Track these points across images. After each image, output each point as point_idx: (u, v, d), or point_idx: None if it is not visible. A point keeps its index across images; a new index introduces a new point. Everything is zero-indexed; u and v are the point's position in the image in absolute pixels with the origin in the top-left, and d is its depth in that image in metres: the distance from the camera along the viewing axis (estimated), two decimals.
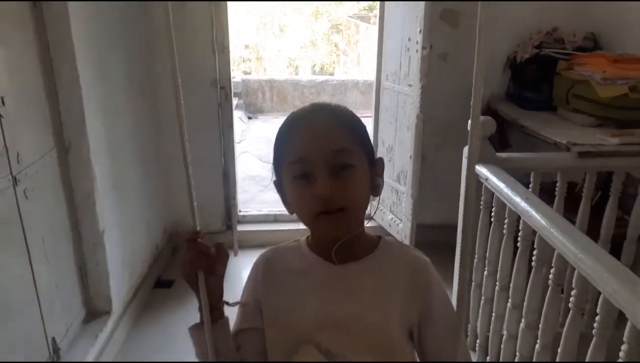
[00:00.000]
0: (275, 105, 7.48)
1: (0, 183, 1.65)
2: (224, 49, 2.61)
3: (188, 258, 0.85)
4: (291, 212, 0.92)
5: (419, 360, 0.93)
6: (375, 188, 0.91)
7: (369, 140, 0.92)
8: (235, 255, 3.05)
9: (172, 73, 0.85)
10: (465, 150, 2.18)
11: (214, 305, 0.87)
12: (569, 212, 2.26)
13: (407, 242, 3.05)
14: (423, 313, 0.90)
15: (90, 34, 2.16)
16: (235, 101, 7.18)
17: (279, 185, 0.93)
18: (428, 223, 3.11)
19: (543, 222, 1.55)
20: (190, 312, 2.83)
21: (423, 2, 2.55)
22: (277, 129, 0.92)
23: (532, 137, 2.53)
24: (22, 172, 1.77)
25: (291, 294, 0.91)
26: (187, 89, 3.15)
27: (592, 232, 2.27)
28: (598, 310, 1.31)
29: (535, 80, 2.78)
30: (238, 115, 6.95)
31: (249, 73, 15.00)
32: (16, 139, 1.74)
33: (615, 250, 2.30)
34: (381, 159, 0.94)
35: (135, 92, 2.72)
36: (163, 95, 3.06)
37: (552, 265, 1.55)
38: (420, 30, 2.62)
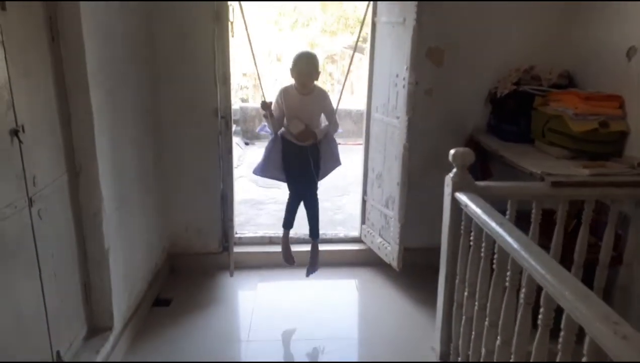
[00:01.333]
0: None
1: (18, 204, 1.80)
2: (226, 81, 2.79)
3: (264, 107, 2.93)
4: (293, 77, 2.98)
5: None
6: (317, 79, 2.99)
7: (319, 64, 2.98)
8: (231, 275, 3.18)
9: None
10: (447, 178, 2.36)
11: (271, 112, 2.96)
12: (548, 238, 2.43)
13: (394, 264, 3.19)
14: (324, 106, 3.05)
15: (102, 66, 2.33)
16: (233, 128, 7.37)
17: (292, 71, 2.97)
18: (416, 247, 3.26)
19: (514, 245, 1.71)
20: (186, 330, 2.96)
21: (410, 42, 2.75)
22: (295, 56, 2.97)
23: (511, 167, 2.71)
24: (37, 194, 1.92)
25: (289, 100, 2.98)
26: (191, 117, 3.37)
27: (568, 257, 2.43)
28: (562, 326, 1.46)
29: (514, 114, 2.98)
30: (235, 141, 7.13)
31: (247, 100, 15.28)
32: (33, 163, 1.89)
33: (590, 274, 2.47)
34: (320, 72, 3.02)
35: (140, 119, 2.89)
36: (164, 121, 3.23)
37: (523, 285, 1.71)
38: (407, 68, 2.81)
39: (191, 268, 3.48)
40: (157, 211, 3.25)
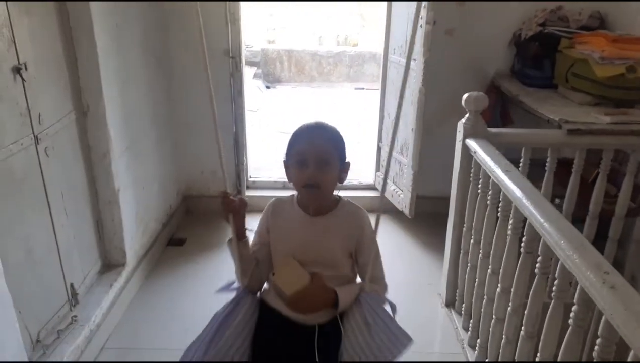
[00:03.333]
0: (293, 75, 7.56)
1: (24, 142, 1.83)
2: (236, 21, 2.71)
3: (224, 207, 1.43)
4: (289, 181, 1.52)
5: (356, 271, 1.58)
6: (341, 179, 1.52)
7: (344, 150, 1.51)
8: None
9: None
10: (459, 124, 2.28)
11: (240, 231, 1.47)
12: (566, 187, 2.36)
13: (406, 211, 3.17)
14: (358, 242, 1.53)
15: (107, 5, 2.29)
16: (253, 70, 7.29)
17: (286, 165, 1.52)
18: (429, 195, 3.22)
19: (517, 193, 1.66)
20: (199, 268, 3.05)
21: None
22: (293, 132, 1.50)
23: (532, 114, 2.60)
24: (43, 132, 1.94)
25: (284, 227, 1.54)
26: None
27: (585, 207, 2.36)
28: (556, 275, 1.43)
29: (538, 57, 2.82)
30: (256, 85, 7.06)
31: (273, 42, 15.02)
32: (38, 101, 1.90)
33: (608, 225, 2.40)
34: (349, 163, 1.53)
35: (150, 60, 2.87)
36: (176, 64, 3.20)
37: (524, 234, 1.67)
38: (424, 6, 2.67)
39: (206, 210, 3.54)
40: (171, 154, 3.28)
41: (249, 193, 3.55)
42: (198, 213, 3.55)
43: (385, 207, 3.47)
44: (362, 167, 4.35)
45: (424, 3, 2.69)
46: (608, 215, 2.40)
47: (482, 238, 2.09)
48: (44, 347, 1.98)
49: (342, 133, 1.52)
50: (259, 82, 7.18)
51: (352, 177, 3.90)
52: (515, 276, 1.75)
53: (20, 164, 1.81)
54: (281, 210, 1.55)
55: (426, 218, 3.25)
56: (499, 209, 1.90)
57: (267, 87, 7.33)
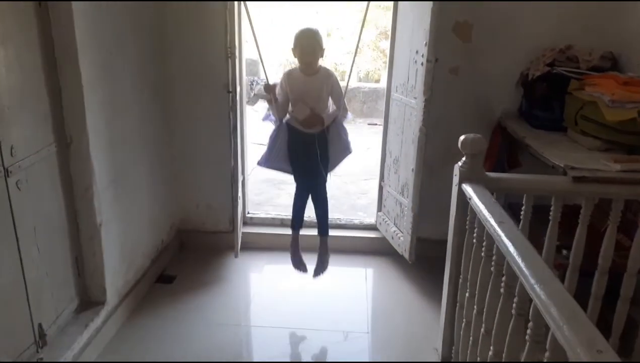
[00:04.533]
0: None
1: None
2: (232, 55, 2.66)
3: (270, 88, 2.74)
4: (296, 56, 2.70)
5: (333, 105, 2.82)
6: (322, 56, 2.70)
7: (322, 41, 2.68)
8: (236, 256, 3.09)
9: None
10: (456, 167, 2.14)
11: (275, 96, 2.75)
12: (572, 238, 2.18)
13: (406, 255, 3.01)
14: (332, 88, 2.74)
15: (96, 33, 2.25)
16: (266, 104, 7.26)
17: (294, 50, 2.69)
18: (432, 238, 3.05)
19: (509, 248, 1.50)
20: (186, 308, 2.92)
21: (429, 16, 2.51)
22: (297, 32, 2.67)
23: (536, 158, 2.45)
24: (15, 165, 1.87)
25: (294, 82, 2.71)
26: (201, 91, 3.27)
27: (597, 259, 2.17)
28: (547, 346, 1.26)
29: (546, 99, 2.69)
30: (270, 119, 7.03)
31: None
32: (10, 133, 1.84)
33: (618, 281, 2.20)
34: (324, 49, 2.72)
35: (144, 91, 2.81)
36: (174, 95, 3.15)
37: (515, 294, 1.51)
38: (426, 43, 2.58)
39: (201, 246, 3.43)
40: (166, 187, 3.19)
41: (246, 229, 3.44)
42: (192, 249, 3.44)
43: (386, 250, 3.31)
44: (370, 205, 4.21)
45: (425, 40, 2.59)
46: (620, 270, 2.21)
47: (477, 292, 1.92)
48: None
49: (321, 35, 2.70)
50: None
51: (353, 216, 3.77)
52: (507, 339, 1.58)
53: None
54: (292, 74, 2.74)
55: (427, 263, 3.07)
56: (493, 263, 1.74)
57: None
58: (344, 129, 2.86)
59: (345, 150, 2.89)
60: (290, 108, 2.77)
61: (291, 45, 2.68)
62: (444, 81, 2.98)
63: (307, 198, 2.97)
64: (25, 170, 1.93)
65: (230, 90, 2.81)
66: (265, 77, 2.80)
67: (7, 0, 1.82)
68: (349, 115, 2.92)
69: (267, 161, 2.85)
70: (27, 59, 1.95)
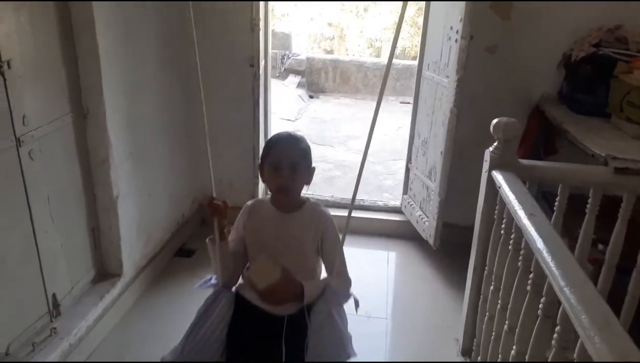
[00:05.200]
0: (337, 86, 7.37)
1: (2, 143, 1.72)
2: (254, 27, 2.55)
3: (210, 211, 1.56)
4: (264, 182, 1.68)
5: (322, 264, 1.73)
6: (307, 183, 1.68)
7: (311, 157, 1.67)
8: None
9: None
10: (486, 153, 2.01)
11: (221, 232, 1.57)
12: (609, 230, 2.02)
13: (431, 241, 2.90)
14: (323, 238, 1.67)
15: (113, 5, 2.18)
16: (297, 79, 7.16)
17: (261, 169, 1.66)
18: (458, 224, 2.93)
19: (538, 244, 1.38)
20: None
21: None
22: (268, 141, 1.72)
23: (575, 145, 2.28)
24: (27, 134, 1.83)
25: (259, 222, 1.69)
26: (225, 64, 3.15)
27: (633, 258, 2.02)
28: (575, 355, 1.15)
29: (590, 82, 2.49)
30: (298, 93, 6.93)
31: (331, 51, 14.91)
32: (23, 102, 1.79)
33: None
34: (314, 168, 1.69)
35: (166, 64, 2.74)
36: (195, 68, 3.06)
37: (543, 294, 1.39)
38: (461, 19, 2.42)
39: None
40: (188, 162, 3.15)
41: None
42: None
43: (410, 234, 3.20)
44: (397, 186, 4.09)
45: (460, 16, 2.43)
46: None
47: (502, 287, 1.80)
48: (13, 360, 1.86)
49: (308, 142, 1.69)
50: (302, 91, 7.03)
51: (377, 198, 3.66)
52: (532, 340, 1.46)
53: None
54: (257, 209, 1.72)
55: (452, 249, 2.95)
56: (521, 258, 1.62)
57: (310, 97, 7.17)
58: (342, 313, 1.65)
59: (340, 349, 1.59)
60: (247, 264, 1.72)
61: (261, 155, 1.68)
62: (480, 60, 2.81)
63: None
64: (38, 139, 1.90)
65: (252, 63, 2.70)
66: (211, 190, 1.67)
67: None
68: (352, 296, 1.70)
69: (180, 354, 1.55)
70: (41, 27, 1.90)
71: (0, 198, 1.75)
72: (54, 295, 2.09)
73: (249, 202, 1.74)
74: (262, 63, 2.91)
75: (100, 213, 2.37)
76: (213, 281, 1.66)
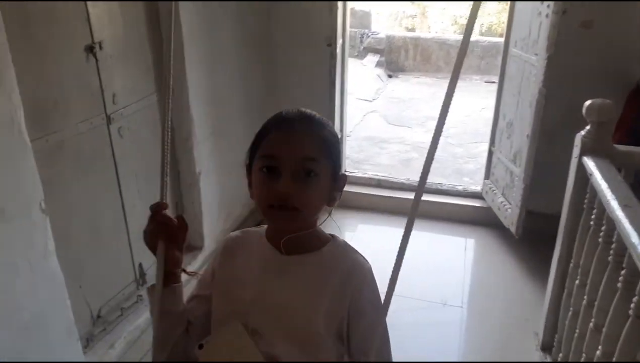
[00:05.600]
0: (417, 64, 7.16)
1: (94, 121, 1.84)
2: (332, 7, 2.52)
3: (150, 228, 0.93)
4: (252, 197, 0.95)
5: (348, 360, 0.95)
6: (331, 200, 0.97)
7: (339, 156, 0.96)
8: (329, 215, 3.05)
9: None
10: (577, 137, 1.87)
11: (171, 271, 0.94)
12: None
13: (512, 229, 2.76)
14: (352, 312, 0.92)
15: None
16: (376, 58, 7.05)
17: (249, 169, 0.96)
18: (543, 212, 2.76)
19: (633, 239, 1.26)
20: None
21: None
22: (264, 123, 0.96)
23: None
24: (117, 112, 1.94)
25: (239, 272, 0.97)
26: (304, 44, 3.10)
27: None
28: None
29: None
30: (377, 73, 6.82)
31: (412, 29, 14.53)
32: (113, 81, 1.90)
33: None
34: (344, 176, 0.99)
35: (247, 45, 2.79)
36: (277, 50, 3.10)
37: (636, 293, 1.27)
38: None
39: None
40: None
41: None
42: None
43: (490, 221, 3.07)
44: (478, 170, 3.94)
45: None
46: None
47: (589, 282, 1.68)
48: (104, 322, 2.01)
49: (334, 130, 0.97)
50: (380, 70, 6.92)
51: (456, 182, 3.55)
52: (620, 342, 1.35)
53: (88, 144, 1.83)
54: (241, 245, 1.01)
55: (535, 239, 2.79)
56: (612, 252, 1.49)
57: (389, 76, 7.04)
58: None
59: None
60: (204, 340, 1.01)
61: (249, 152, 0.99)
62: (573, 37, 2.60)
63: None
64: (126, 117, 2.01)
65: (329, 43, 2.67)
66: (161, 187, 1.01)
67: None
68: None
69: None
70: (130, 10, 1.99)
71: (93, 172, 1.88)
72: (140, 265, 2.22)
73: (232, 234, 1.05)
74: (339, 42, 2.87)
75: (183, 189, 2.48)
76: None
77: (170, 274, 0.93)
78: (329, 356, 0.91)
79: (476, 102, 5.75)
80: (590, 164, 1.72)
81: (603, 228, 1.58)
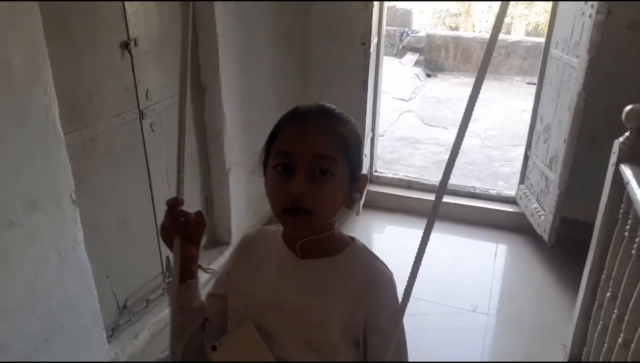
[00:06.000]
0: (457, 64, 7.03)
1: (127, 116, 1.89)
2: (367, 5, 2.50)
3: (166, 223, 0.91)
4: (267, 196, 0.91)
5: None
6: (351, 202, 0.91)
7: (360, 155, 0.92)
8: (357, 214, 3.05)
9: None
10: (616, 143, 1.79)
11: (187, 267, 0.94)
12: None
13: (545, 237, 2.68)
14: (369, 321, 0.89)
15: None
16: (415, 57, 6.97)
17: (264, 167, 0.92)
18: (578, 219, 2.67)
19: None
20: None
21: None
22: (280, 118, 0.94)
23: None
24: (149, 108, 1.99)
25: (254, 273, 0.96)
26: (339, 43, 3.09)
27: None
28: None
29: None
30: (415, 72, 6.74)
31: (456, 28, 14.28)
32: (146, 77, 1.95)
33: None
34: (365, 176, 0.94)
35: (280, 43, 2.81)
36: (311, 49, 3.11)
37: None
38: None
39: None
40: None
41: (371, 188, 3.35)
42: None
43: (523, 227, 2.99)
44: (514, 174, 3.84)
45: None
46: None
47: (620, 295, 1.61)
48: (130, 313, 2.07)
49: (356, 127, 0.92)
50: (419, 69, 6.82)
51: (490, 186, 3.47)
52: None
53: (120, 137, 1.87)
54: (257, 245, 1.00)
55: (569, 247, 2.69)
56: None
57: (428, 75, 6.94)
58: None
59: None
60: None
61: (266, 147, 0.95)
62: (619, 38, 2.50)
63: None
64: (159, 113, 2.05)
65: (363, 42, 2.65)
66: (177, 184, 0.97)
67: None
68: None
69: None
70: (166, 9, 2.03)
71: (125, 165, 1.93)
72: (167, 258, 2.27)
73: (248, 233, 1.05)
74: (374, 41, 2.85)
75: (213, 184, 2.52)
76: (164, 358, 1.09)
77: (186, 270, 0.94)
78: (342, 357, 0.89)
79: (517, 104, 5.61)
80: (627, 172, 1.65)
81: (637, 239, 1.52)
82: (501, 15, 0.79)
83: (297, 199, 0.82)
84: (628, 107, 1.72)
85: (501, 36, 7.34)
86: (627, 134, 1.75)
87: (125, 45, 1.81)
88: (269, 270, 0.94)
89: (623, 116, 1.74)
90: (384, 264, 0.95)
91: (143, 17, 1.89)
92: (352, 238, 0.96)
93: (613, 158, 1.81)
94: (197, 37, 2.23)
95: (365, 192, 0.96)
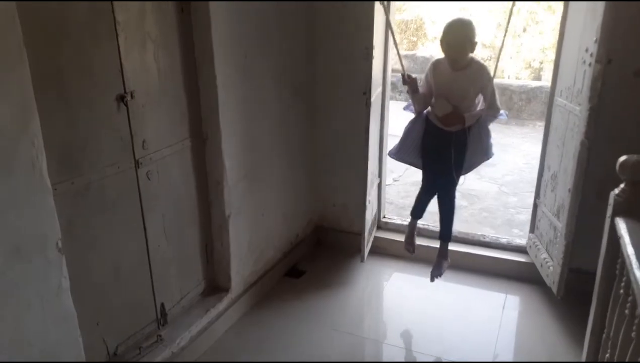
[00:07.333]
0: None
1: (122, 165, 1.94)
2: (368, 56, 2.55)
3: (409, 83, 2.47)
4: (442, 51, 2.41)
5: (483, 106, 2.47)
6: (472, 50, 2.39)
7: (474, 35, 2.35)
8: (362, 261, 2.99)
9: None
10: (611, 195, 1.73)
11: (416, 89, 2.49)
12: None
13: (554, 288, 2.57)
14: (482, 89, 2.42)
15: (234, 35, 2.34)
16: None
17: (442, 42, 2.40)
18: (590, 270, 2.53)
19: None
20: (311, 305, 2.86)
21: (602, 4, 2.07)
22: (443, 28, 2.38)
23: None
24: (146, 157, 2.04)
25: (438, 77, 2.46)
26: (342, 93, 3.20)
27: None
28: None
29: None
30: None
31: None
32: (143, 128, 2.01)
33: None
34: (476, 42, 2.38)
35: (285, 91, 2.86)
36: (317, 96, 3.17)
37: None
38: (596, 40, 2.13)
39: (336, 244, 3.42)
40: (305, 184, 3.24)
41: (379, 234, 3.31)
42: (327, 246, 3.45)
43: (533, 277, 2.88)
44: (523, 223, 3.73)
45: (595, 37, 2.14)
46: None
47: (616, 357, 1.52)
48: (121, 360, 2.06)
49: (473, 25, 2.36)
50: None
51: (503, 234, 3.38)
52: None
53: (114, 185, 1.92)
54: (438, 65, 2.47)
55: (579, 298, 2.52)
56: (634, 327, 1.35)
57: None
58: (487, 131, 2.55)
59: (484, 154, 2.60)
60: (433, 101, 2.50)
61: (439, 36, 2.41)
62: (625, 85, 2.46)
63: (432, 197, 2.79)
64: (156, 162, 2.10)
65: (364, 91, 2.68)
66: (402, 70, 2.51)
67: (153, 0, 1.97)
68: (503, 114, 2.54)
69: (398, 153, 2.67)
70: (165, 60, 2.11)
71: (119, 212, 1.97)
72: (162, 305, 2.28)
73: (434, 60, 2.51)
74: (378, 90, 2.88)
75: (213, 230, 2.54)
76: (412, 107, 2.60)
77: (415, 91, 2.49)
78: (473, 102, 2.46)
79: (537, 149, 5.46)
80: (621, 225, 1.59)
81: (630, 298, 1.44)
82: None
83: (454, 58, 2.41)
84: (622, 158, 1.68)
85: (523, 81, 7.29)
86: (622, 185, 1.69)
87: (121, 98, 1.88)
88: (443, 76, 2.43)
89: (617, 167, 1.69)
90: (485, 66, 2.45)
91: (140, 71, 1.97)
92: (472, 58, 2.40)
93: (609, 210, 1.75)
94: (199, 88, 2.30)
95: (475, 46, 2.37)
